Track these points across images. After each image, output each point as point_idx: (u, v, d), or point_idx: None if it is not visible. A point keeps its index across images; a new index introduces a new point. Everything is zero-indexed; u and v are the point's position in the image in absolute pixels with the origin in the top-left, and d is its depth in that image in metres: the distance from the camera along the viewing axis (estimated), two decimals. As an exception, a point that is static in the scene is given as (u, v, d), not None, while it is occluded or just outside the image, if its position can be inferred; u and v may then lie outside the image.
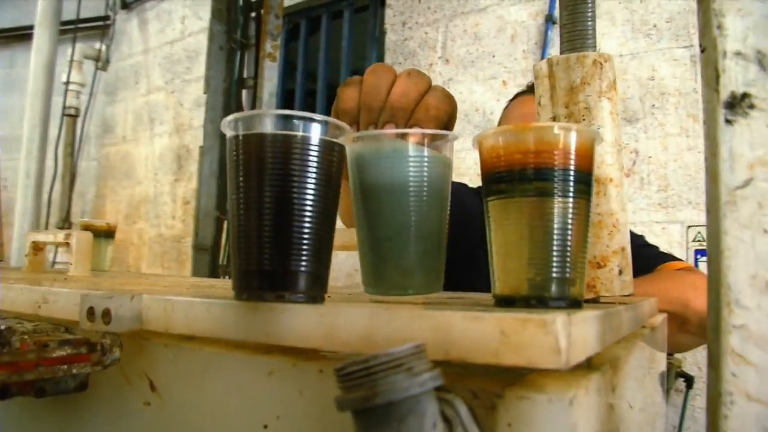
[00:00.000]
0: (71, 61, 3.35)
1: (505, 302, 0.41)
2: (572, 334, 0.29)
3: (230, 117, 0.41)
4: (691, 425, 1.66)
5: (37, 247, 1.14)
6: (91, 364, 0.46)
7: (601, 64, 0.57)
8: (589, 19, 0.59)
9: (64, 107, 3.35)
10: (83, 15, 3.69)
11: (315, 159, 0.40)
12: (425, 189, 0.45)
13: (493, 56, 2.25)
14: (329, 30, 3.06)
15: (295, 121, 0.40)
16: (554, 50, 2.04)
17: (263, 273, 0.39)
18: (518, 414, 0.29)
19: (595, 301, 0.57)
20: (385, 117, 0.53)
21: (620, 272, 0.56)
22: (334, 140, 0.41)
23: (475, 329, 0.30)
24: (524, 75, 2.14)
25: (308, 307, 0.37)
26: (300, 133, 0.40)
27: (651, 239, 1.70)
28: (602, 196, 0.56)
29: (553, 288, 0.39)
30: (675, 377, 1.65)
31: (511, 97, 1.85)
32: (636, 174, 1.82)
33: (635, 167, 1.85)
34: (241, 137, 0.40)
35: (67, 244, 1.08)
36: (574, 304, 0.40)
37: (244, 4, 2.45)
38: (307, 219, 0.40)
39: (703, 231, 1.71)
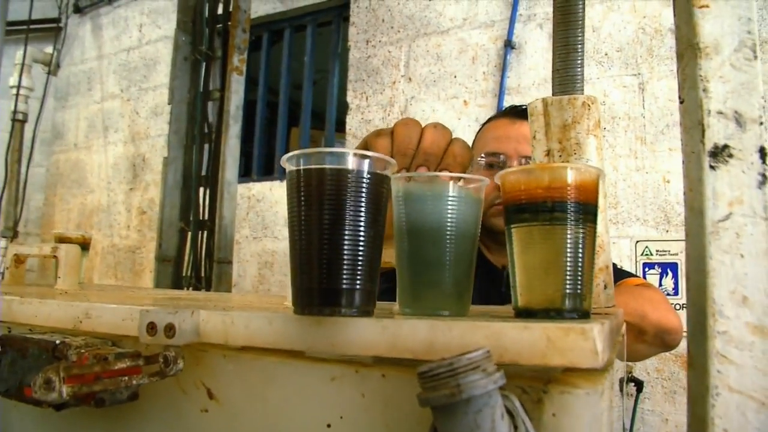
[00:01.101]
0: (21, 64, 3.24)
1: (526, 314, 0.48)
2: (603, 340, 0.36)
3: (292, 153, 0.46)
4: (640, 426, 1.79)
5: (19, 260, 1.14)
6: (149, 375, 0.50)
7: (589, 105, 0.66)
8: (579, 66, 0.67)
9: (14, 112, 3.23)
10: (33, 17, 3.58)
11: (367, 190, 0.46)
12: (463, 224, 0.51)
13: (455, 77, 2.35)
14: (292, 44, 3.11)
15: (350, 157, 0.46)
16: (513, 73, 2.17)
17: (322, 290, 0.45)
18: (561, 405, 0.36)
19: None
20: (419, 161, 0.60)
21: (605, 287, 0.65)
22: (384, 173, 0.48)
23: (525, 336, 0.37)
24: (484, 95, 2.26)
25: (370, 320, 0.42)
26: (354, 168, 0.46)
27: (603, 252, 1.84)
28: (590, 220, 0.65)
29: (568, 302, 0.46)
30: (626, 382, 1.78)
31: (473, 116, 1.96)
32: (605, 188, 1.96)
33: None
34: (302, 171, 0.46)
35: (54, 257, 1.08)
36: (584, 315, 0.47)
37: (209, 17, 2.47)
38: (361, 243, 0.46)
39: (651, 245, 1.85)
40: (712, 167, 0.44)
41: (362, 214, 0.46)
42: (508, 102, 2.15)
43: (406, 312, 0.51)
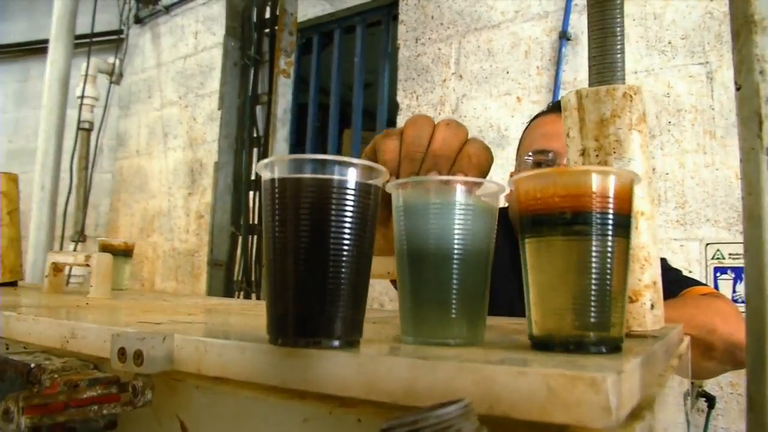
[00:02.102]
0: (86, 75, 3.38)
1: (543, 346, 0.40)
2: (622, 391, 0.28)
3: (266, 160, 0.41)
4: (711, 446, 1.64)
5: (57, 268, 1.15)
6: (121, 404, 0.45)
7: (631, 96, 0.57)
8: (618, 51, 0.58)
9: (79, 121, 3.38)
10: (97, 29, 3.74)
11: (351, 203, 0.40)
12: (471, 238, 0.44)
13: (507, 72, 2.25)
14: (342, 45, 3.08)
15: (331, 165, 0.40)
16: (568, 67, 2.04)
17: (299, 318, 0.39)
18: (568, 475, 0.28)
19: (627, 337, 0.56)
20: (428, 165, 0.53)
21: (652, 306, 0.55)
22: (370, 183, 0.41)
23: (521, 385, 0.29)
24: (538, 91, 2.14)
25: (347, 355, 0.36)
26: (336, 177, 0.40)
27: (669, 256, 1.69)
28: (633, 230, 0.55)
29: (593, 333, 0.38)
30: (696, 397, 1.63)
31: (527, 113, 1.85)
32: (653, 191, 1.81)
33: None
34: (277, 180, 0.40)
35: (87, 266, 1.08)
36: (613, 348, 0.39)
37: (257, 21, 2.47)
38: (344, 263, 0.39)
39: (722, 248, 1.69)
40: (773, 166, 0.35)
41: (345, 230, 0.40)
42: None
43: (407, 341, 0.45)
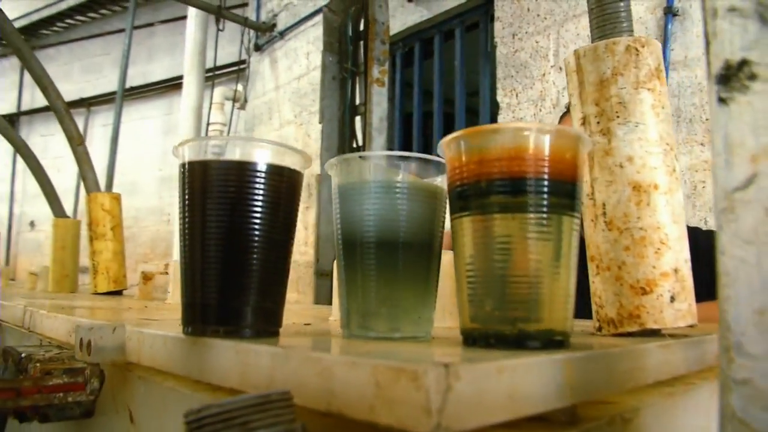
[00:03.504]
0: (211, 103, 3.69)
1: (468, 340, 0.34)
2: (459, 389, 0.23)
3: (179, 142, 0.40)
4: None
5: (146, 277, 1.24)
6: (86, 393, 0.47)
7: (636, 50, 0.48)
8: (621, -1, 0.50)
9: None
10: (223, 60, 4.08)
11: (257, 186, 0.37)
12: (414, 223, 0.40)
13: (611, 57, 2.07)
14: (441, 50, 3.05)
15: (234, 146, 0.38)
16: (677, 44, 1.83)
17: (205, 307, 0.37)
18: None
19: (645, 335, 0.47)
20: None
21: (672, 299, 0.46)
22: (282, 165, 0.39)
23: (352, 378, 0.25)
24: (647, 74, 1.94)
25: (231, 345, 0.34)
26: (240, 159, 0.38)
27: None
28: (645, 206, 0.47)
29: (517, 326, 0.32)
30: None
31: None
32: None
33: None
34: (186, 165, 0.39)
35: (166, 273, 1.16)
36: (551, 343, 0.32)
37: (352, 34, 2.52)
38: (251, 251, 0.37)
39: None
40: (721, 100, 0.26)
41: (253, 216, 0.37)
42: (673, 78, 1.82)
43: (344, 335, 0.41)
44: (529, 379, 0.27)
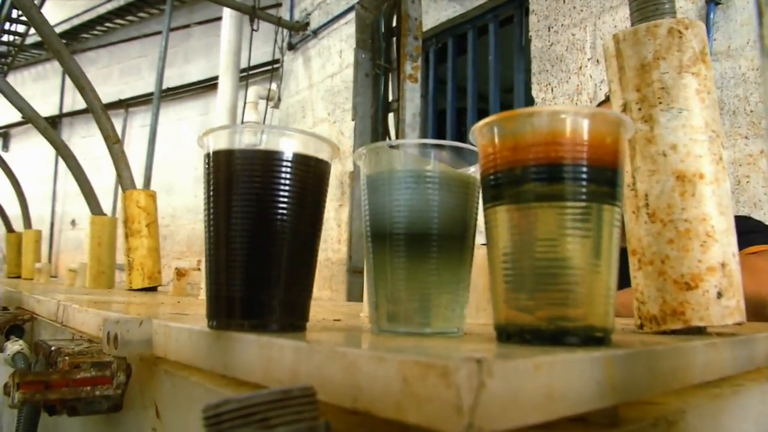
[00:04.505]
0: (245, 102, 3.73)
1: (503, 336, 0.33)
2: (492, 387, 0.21)
3: (204, 131, 0.39)
4: None
5: (180, 273, 1.26)
6: (113, 387, 0.47)
7: (680, 32, 0.45)
8: (664, -22, 0.47)
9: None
10: (257, 60, 4.12)
11: (284, 177, 0.36)
12: (446, 217, 0.38)
13: (650, 49, 2.00)
14: (475, 45, 3.01)
15: (268, 136, 0.37)
16: (719, 34, 1.76)
17: (231, 300, 0.36)
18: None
19: (691, 333, 0.45)
20: None
21: (719, 295, 0.43)
22: (312, 155, 0.38)
23: (379, 374, 0.24)
24: (688, 66, 1.87)
25: (254, 339, 0.33)
26: (267, 148, 0.37)
27: None
28: (689, 197, 0.44)
29: (554, 319, 0.30)
30: None
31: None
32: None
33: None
34: (211, 154, 0.38)
35: (198, 270, 1.16)
36: (591, 340, 0.30)
37: (385, 31, 2.51)
38: (277, 242, 0.36)
39: None
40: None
41: (279, 207, 0.36)
42: (716, 69, 1.75)
43: (373, 330, 0.40)
44: (567, 378, 0.25)
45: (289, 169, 0.37)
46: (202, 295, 1.12)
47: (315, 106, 3.98)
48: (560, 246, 0.29)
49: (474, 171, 0.41)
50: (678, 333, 0.45)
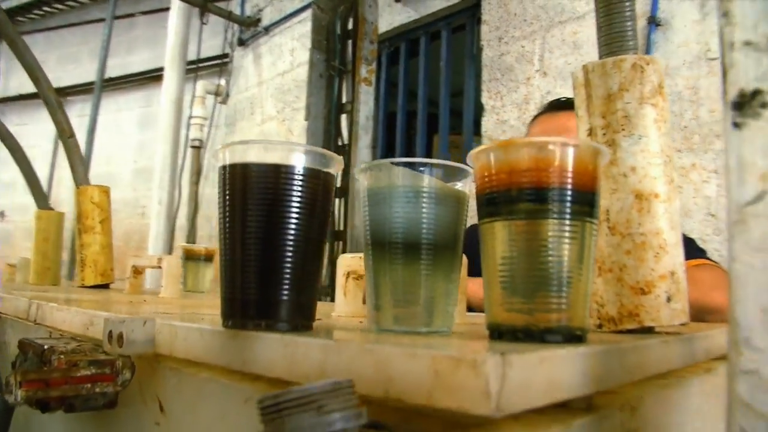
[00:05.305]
0: (193, 97, 3.66)
1: (495, 334, 0.37)
2: (510, 376, 0.26)
3: (220, 146, 0.42)
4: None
5: (137, 271, 1.25)
6: (113, 384, 0.48)
7: (642, 67, 0.52)
8: (628, 18, 0.54)
9: (188, 139, 3.66)
10: (205, 54, 4.05)
11: (296, 188, 0.40)
12: (439, 228, 0.42)
13: (593, 64, 2.12)
14: (428, 51, 3.08)
15: (276, 150, 0.40)
16: (659, 53, 1.89)
17: (243, 301, 0.40)
18: (454, 463, 0.26)
19: (642, 332, 0.51)
20: None
21: (669, 299, 0.50)
22: (320, 169, 0.41)
23: (411, 367, 0.28)
24: (627, 82, 2.00)
25: (277, 338, 0.36)
26: (281, 162, 0.40)
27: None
28: (646, 213, 0.50)
29: (544, 319, 0.35)
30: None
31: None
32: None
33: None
34: (228, 167, 0.41)
35: (159, 268, 1.16)
36: (571, 337, 0.36)
37: (341, 33, 2.54)
38: (289, 248, 0.39)
39: None
40: (736, 125, 0.30)
41: (291, 216, 0.40)
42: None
43: (372, 329, 0.44)
44: (562, 369, 0.30)
45: (301, 182, 0.40)
46: (163, 293, 1.12)
47: (264, 103, 3.95)
48: (551, 256, 0.34)
49: (462, 186, 0.45)
50: (632, 332, 0.51)
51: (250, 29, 4.02)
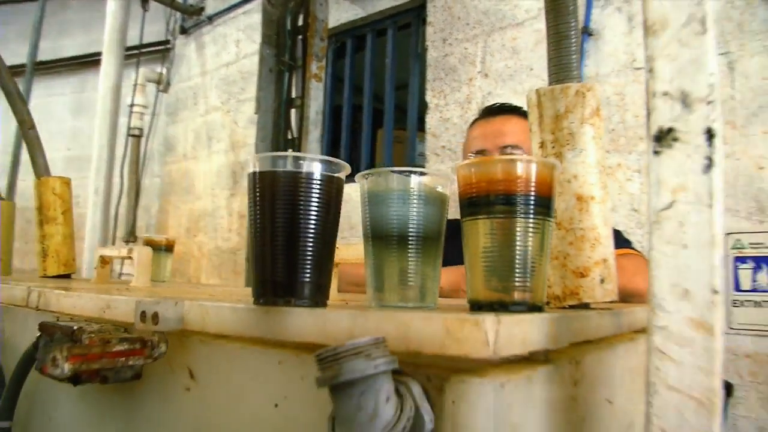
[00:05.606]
0: (135, 84, 3.60)
1: (477, 307, 0.48)
2: (502, 332, 0.36)
3: (252, 156, 0.50)
4: (733, 434, 1.65)
5: (104, 261, 1.28)
6: (144, 357, 0.56)
7: (583, 93, 0.64)
8: (573, 53, 0.65)
9: (129, 128, 3.60)
10: (145, 40, 3.97)
11: (316, 191, 0.49)
12: (425, 222, 0.52)
13: (531, 69, 2.29)
14: (374, 48, 3.18)
15: (298, 160, 0.49)
16: (591, 61, 2.07)
17: (274, 283, 0.48)
18: (459, 394, 0.36)
19: (580, 307, 0.63)
20: None
21: (602, 281, 0.62)
22: (333, 175, 0.50)
23: (426, 327, 0.38)
24: (561, 86, 2.17)
25: (307, 310, 0.45)
26: (304, 170, 0.49)
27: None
28: (585, 212, 0.63)
29: (514, 295, 0.46)
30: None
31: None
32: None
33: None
34: (257, 174, 0.50)
35: (131, 258, 1.21)
36: (533, 308, 0.47)
37: (291, 28, 2.60)
38: (310, 240, 0.48)
39: (743, 238, 1.70)
40: (656, 152, 0.41)
41: (312, 213, 0.49)
42: (584, 92, 2.05)
43: (372, 305, 0.54)
44: (530, 329, 0.41)
45: (318, 185, 0.49)
46: (135, 282, 1.17)
47: (208, 93, 3.93)
48: (521, 246, 0.45)
49: (442, 189, 0.56)
50: (573, 308, 0.63)
51: (192, 18, 3.98)
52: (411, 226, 0.52)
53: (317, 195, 0.49)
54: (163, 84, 3.95)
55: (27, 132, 1.36)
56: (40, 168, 1.40)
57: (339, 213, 0.51)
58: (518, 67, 2.35)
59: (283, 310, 0.47)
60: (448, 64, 2.62)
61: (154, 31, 4.10)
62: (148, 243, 1.55)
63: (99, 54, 3.89)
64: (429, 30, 2.72)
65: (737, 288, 1.71)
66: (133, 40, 3.82)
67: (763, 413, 1.60)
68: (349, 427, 0.35)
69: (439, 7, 2.68)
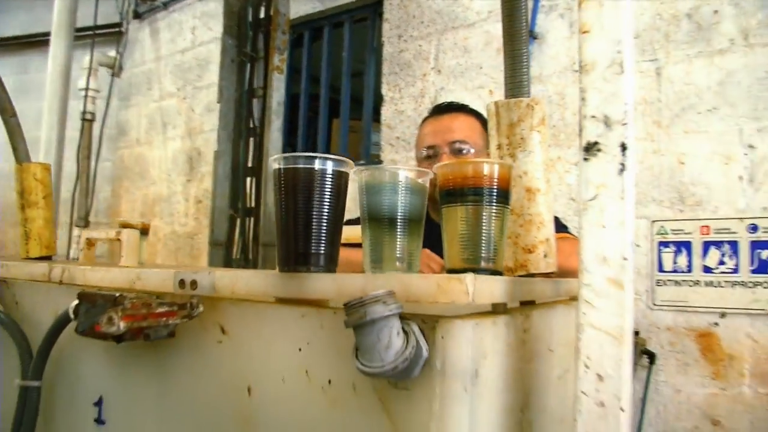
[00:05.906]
0: (90, 68, 3.56)
1: (452, 272, 0.63)
2: (477, 286, 0.52)
3: (276, 156, 0.63)
4: (654, 397, 1.89)
5: (90, 243, 1.37)
6: (181, 318, 0.68)
7: (532, 106, 0.79)
8: (525, 73, 0.81)
9: (83, 112, 3.57)
10: (97, 22, 3.91)
11: (329, 182, 0.62)
12: (410, 207, 0.67)
13: (481, 68, 2.47)
14: (331, 40, 3.28)
15: (314, 158, 0.63)
16: (535, 63, 2.26)
17: (297, 254, 0.62)
18: (446, 330, 0.51)
19: (528, 276, 0.79)
20: None
21: (545, 256, 0.79)
22: (341, 170, 0.64)
23: (423, 284, 0.53)
24: (509, 85, 2.36)
25: (325, 275, 0.59)
26: (319, 167, 0.62)
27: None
28: (532, 201, 0.79)
29: (481, 263, 0.61)
30: (639, 354, 1.87)
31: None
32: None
33: (606, 169, 2.07)
34: (282, 169, 0.63)
35: (118, 240, 1.30)
36: (496, 274, 0.62)
37: (253, 20, 2.67)
38: (324, 220, 0.62)
39: (666, 225, 1.93)
40: (585, 159, 0.57)
41: (325, 200, 0.62)
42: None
43: (374, 271, 0.68)
44: (495, 286, 0.56)
45: (330, 178, 0.63)
46: (123, 262, 1.27)
47: (162, 79, 3.93)
48: (487, 228, 0.61)
49: (423, 182, 0.70)
50: (522, 276, 0.79)
51: (146, 2, 3.96)
52: (400, 211, 0.66)
53: (329, 186, 0.63)
54: (115, 68, 3.92)
55: (9, 120, 1.42)
56: (21, 154, 1.46)
57: (345, 199, 0.65)
58: (469, 65, 2.52)
59: (304, 276, 0.60)
60: (403, 59, 2.77)
61: (105, 13, 4.05)
62: (124, 226, 1.63)
63: (44, 34, 3.81)
64: (385, 26, 2.85)
65: (660, 269, 1.94)
66: (82, 20, 3.77)
67: (680, 378, 1.85)
68: (371, 354, 0.49)
69: (395, 4, 2.81)
